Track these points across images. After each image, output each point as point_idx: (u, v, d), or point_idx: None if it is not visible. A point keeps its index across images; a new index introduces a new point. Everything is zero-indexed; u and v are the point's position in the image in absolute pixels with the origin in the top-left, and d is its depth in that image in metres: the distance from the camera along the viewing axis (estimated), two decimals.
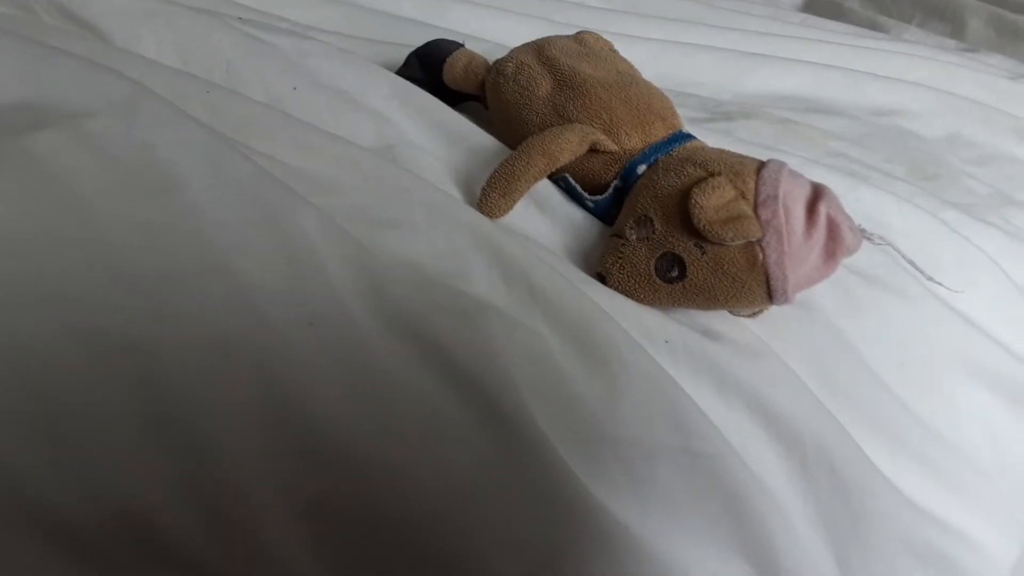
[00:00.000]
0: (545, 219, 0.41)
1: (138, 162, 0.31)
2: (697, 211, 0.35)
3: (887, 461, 0.40)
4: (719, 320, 0.39)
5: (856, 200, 0.46)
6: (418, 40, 0.51)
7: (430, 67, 0.49)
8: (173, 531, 0.25)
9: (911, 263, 0.38)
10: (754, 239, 0.35)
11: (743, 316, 0.39)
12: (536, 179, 0.39)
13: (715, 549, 0.35)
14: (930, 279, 0.39)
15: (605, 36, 0.47)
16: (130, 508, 0.25)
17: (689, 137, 0.41)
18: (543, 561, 0.31)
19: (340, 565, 0.28)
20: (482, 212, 0.38)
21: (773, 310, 0.40)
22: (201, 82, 0.40)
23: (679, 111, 0.44)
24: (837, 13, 0.92)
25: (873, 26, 0.86)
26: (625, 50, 0.48)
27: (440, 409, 0.31)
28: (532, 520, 0.31)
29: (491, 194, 0.38)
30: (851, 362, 0.41)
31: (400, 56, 0.51)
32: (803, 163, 0.48)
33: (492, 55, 0.48)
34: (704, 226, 0.35)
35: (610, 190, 0.40)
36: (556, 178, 0.42)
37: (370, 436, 0.29)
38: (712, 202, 0.35)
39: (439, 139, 0.42)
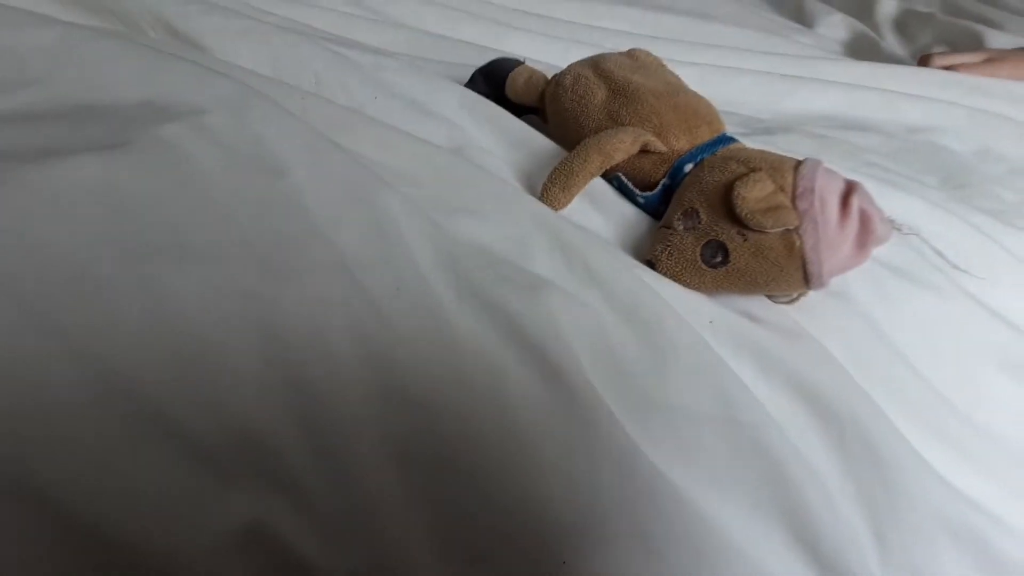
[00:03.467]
0: (599, 214, 0.44)
1: (249, 149, 0.36)
2: (740, 201, 0.39)
3: (921, 443, 0.43)
4: (760, 305, 0.42)
5: (888, 204, 0.49)
6: (478, 61, 0.56)
7: (494, 82, 0.53)
8: (283, 453, 0.29)
9: (938, 252, 0.41)
10: (791, 227, 0.38)
11: (782, 302, 0.43)
12: (593, 175, 0.43)
13: (756, 514, 0.38)
14: (955, 267, 0.42)
15: None
16: (249, 430, 0.29)
17: (732, 139, 0.45)
18: (597, 507, 0.34)
19: (419, 499, 0.31)
20: (544, 203, 0.42)
21: (810, 298, 0.43)
22: (294, 89, 0.45)
23: None
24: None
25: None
26: None
27: (506, 368, 0.34)
28: (588, 470, 0.34)
29: (552, 188, 0.43)
30: (884, 349, 0.43)
31: (462, 74, 0.56)
32: (839, 171, 0.51)
33: (548, 73, 0.52)
34: (746, 215, 0.38)
35: (659, 187, 0.44)
36: (610, 177, 0.46)
37: (445, 389, 0.33)
38: (754, 194, 0.39)
39: (504, 143, 0.47)
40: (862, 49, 0.94)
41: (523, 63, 0.53)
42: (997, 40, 0.92)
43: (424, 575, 0.31)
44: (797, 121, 0.62)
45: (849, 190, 0.39)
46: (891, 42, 0.98)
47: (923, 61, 0.76)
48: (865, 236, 0.39)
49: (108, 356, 0.28)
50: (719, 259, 0.40)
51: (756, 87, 0.66)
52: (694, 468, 0.37)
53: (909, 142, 0.59)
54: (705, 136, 0.44)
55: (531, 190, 0.44)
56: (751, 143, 0.55)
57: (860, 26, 0.97)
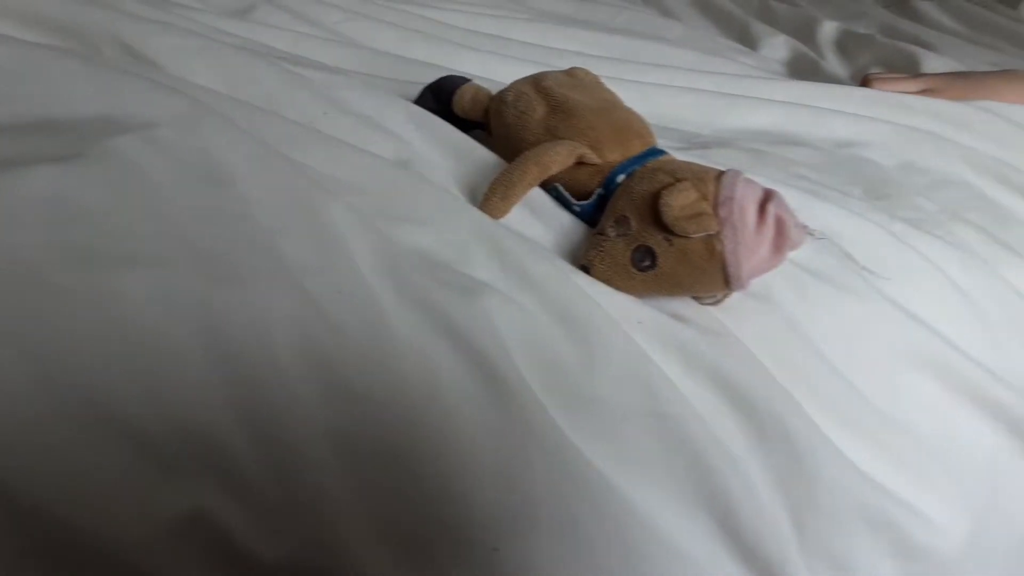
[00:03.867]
0: (539, 222, 0.47)
1: (197, 161, 0.38)
2: (666, 209, 0.41)
3: (838, 437, 0.45)
4: (687, 307, 0.45)
5: (812, 213, 0.52)
6: (430, 79, 0.59)
7: (441, 99, 0.56)
8: (226, 445, 0.31)
9: (848, 255, 0.44)
10: (713, 232, 0.41)
11: (707, 304, 0.45)
12: (531, 185, 0.46)
13: (682, 503, 0.41)
14: (864, 268, 0.45)
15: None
16: (192, 423, 0.30)
17: (661, 152, 0.48)
18: (528, 497, 0.36)
19: (358, 488, 0.33)
20: (484, 212, 0.45)
21: (734, 300, 0.46)
22: (246, 105, 0.47)
23: (663, 142, 0.50)
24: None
25: None
26: (617, 91, 0.55)
27: (442, 365, 0.36)
28: (520, 461, 0.36)
29: (492, 198, 0.45)
30: (804, 348, 0.46)
31: (413, 91, 0.59)
32: (768, 183, 0.54)
33: (496, 90, 0.55)
34: (671, 221, 0.41)
35: (594, 196, 0.47)
36: (548, 188, 0.48)
37: (385, 384, 0.35)
38: (679, 202, 0.42)
39: (449, 155, 0.49)
40: (803, 69, 0.99)
41: (470, 81, 0.56)
42: (932, 62, 0.97)
43: (362, 560, 0.32)
44: (734, 136, 0.66)
45: (766, 198, 0.42)
46: (832, 62, 1.03)
47: (864, 83, 0.80)
48: (780, 240, 0.42)
49: (57, 355, 0.30)
50: (647, 263, 0.43)
51: (697, 105, 0.70)
52: (622, 459, 0.40)
53: (837, 156, 0.62)
54: (637, 149, 0.47)
55: (474, 200, 0.47)
56: (690, 157, 0.58)
57: (801, 47, 1.02)
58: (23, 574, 0.27)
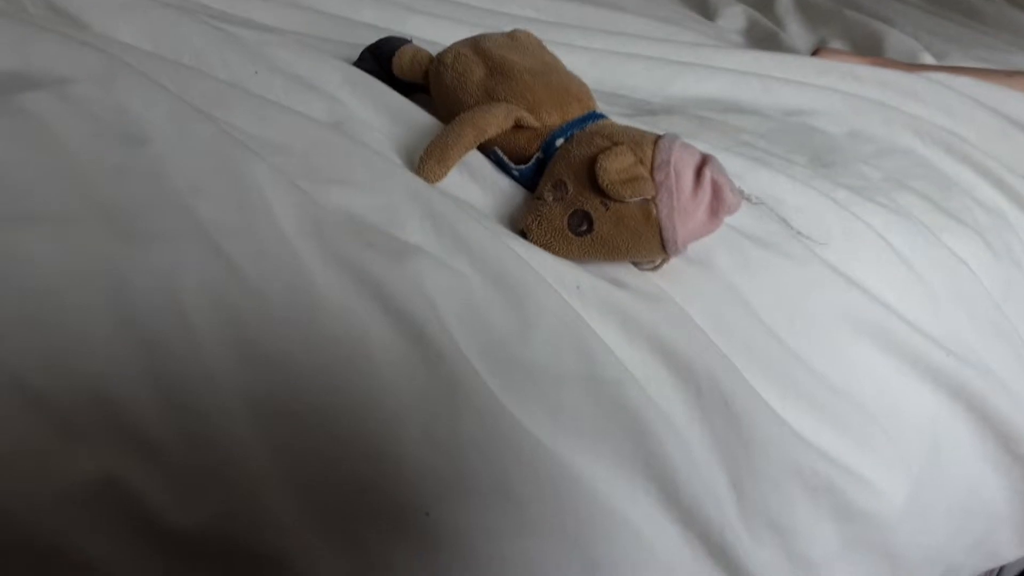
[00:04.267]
0: (476, 186, 0.46)
1: (113, 119, 0.36)
2: (602, 173, 0.41)
3: (777, 401, 0.45)
4: (625, 272, 0.44)
5: (755, 179, 0.52)
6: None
7: (381, 60, 0.54)
8: (135, 411, 0.30)
9: (783, 219, 0.44)
10: (649, 197, 0.40)
11: (646, 269, 0.45)
12: (468, 148, 0.44)
13: (620, 467, 0.40)
14: (798, 233, 0.45)
15: (550, 45, 0.53)
16: (100, 388, 0.29)
17: (601, 116, 0.47)
18: (460, 461, 0.36)
19: (276, 451, 0.32)
20: (420, 176, 0.44)
21: (674, 265, 0.45)
22: (170, 63, 0.45)
23: (610, 110, 0.49)
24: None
25: None
26: (565, 57, 0.53)
27: (369, 328, 0.35)
28: (450, 425, 0.36)
29: (428, 161, 0.44)
30: (744, 314, 0.46)
31: (356, 54, 0.57)
32: (712, 150, 0.53)
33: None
34: (607, 186, 0.40)
35: (532, 160, 0.46)
36: (488, 151, 0.47)
37: (308, 347, 0.34)
38: (615, 166, 0.41)
39: (384, 117, 0.48)
40: (761, 39, 0.98)
41: (410, 42, 0.54)
42: (895, 38, 0.97)
43: (280, 524, 0.32)
44: (682, 104, 0.65)
45: (703, 163, 0.41)
46: (792, 33, 1.03)
47: (816, 54, 0.80)
48: (717, 204, 0.41)
49: None
50: (584, 228, 0.42)
51: (646, 72, 0.69)
52: (558, 423, 0.39)
53: (784, 124, 0.62)
54: (576, 113, 0.46)
55: (410, 164, 0.45)
56: (637, 124, 0.57)
57: (760, 17, 1.01)
58: None
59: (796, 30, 1.06)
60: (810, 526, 0.46)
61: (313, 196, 0.39)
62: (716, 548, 0.43)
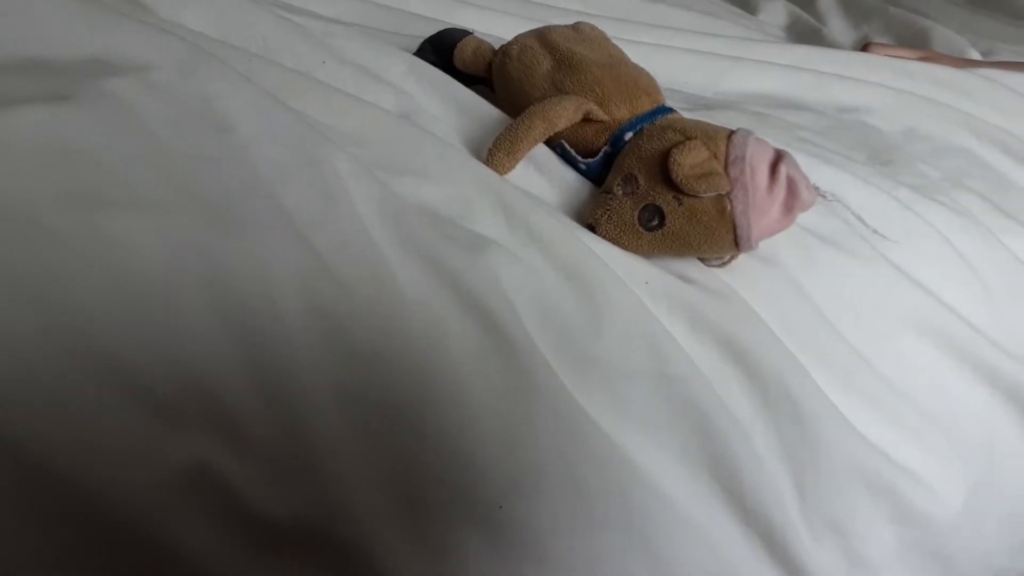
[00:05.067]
0: (543, 179, 0.46)
1: (196, 106, 0.37)
2: (675, 167, 0.40)
3: (841, 401, 0.45)
4: (693, 268, 0.44)
5: (817, 177, 0.51)
6: (429, 33, 0.57)
7: (442, 52, 0.54)
8: (230, 400, 0.30)
9: (858, 217, 0.44)
10: (723, 192, 0.40)
11: (714, 265, 0.45)
12: (537, 141, 0.44)
13: (685, 464, 0.40)
14: (874, 231, 0.45)
15: None
16: (196, 377, 0.29)
17: (670, 110, 0.46)
18: (532, 454, 0.36)
19: (362, 444, 0.33)
20: (489, 168, 0.43)
21: (741, 262, 0.45)
22: (240, 51, 0.45)
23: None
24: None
25: None
26: None
27: (448, 321, 0.36)
28: (524, 418, 0.36)
29: (497, 153, 0.44)
30: (808, 311, 0.46)
31: (413, 45, 0.57)
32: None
33: (496, 45, 0.53)
34: (681, 180, 0.40)
35: (600, 154, 0.45)
36: (553, 145, 0.47)
37: (389, 340, 0.34)
38: (689, 160, 0.41)
39: (451, 109, 0.48)
40: (803, 34, 0.97)
41: (471, 34, 0.54)
42: (939, 34, 0.96)
43: (365, 515, 0.32)
44: (736, 99, 0.65)
45: (778, 158, 0.41)
46: (835, 29, 1.02)
47: (865, 49, 0.79)
48: (792, 201, 0.41)
49: (59, 302, 0.29)
50: (655, 222, 0.42)
51: (699, 66, 0.68)
52: (626, 419, 0.39)
53: (839, 121, 0.62)
54: (645, 106, 0.46)
55: (477, 155, 0.45)
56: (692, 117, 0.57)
57: (800, 13, 1.00)
58: (29, 528, 0.26)
59: (838, 26, 1.05)
60: (870, 528, 0.46)
61: (390, 187, 0.39)
62: (777, 548, 0.43)
